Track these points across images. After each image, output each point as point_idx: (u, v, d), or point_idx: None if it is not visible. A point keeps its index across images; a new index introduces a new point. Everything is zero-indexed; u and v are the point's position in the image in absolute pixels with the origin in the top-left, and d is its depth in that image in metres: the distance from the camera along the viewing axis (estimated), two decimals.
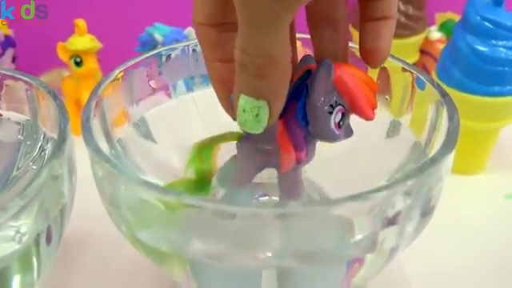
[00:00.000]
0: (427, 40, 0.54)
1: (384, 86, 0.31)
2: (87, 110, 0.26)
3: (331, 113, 0.24)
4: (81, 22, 0.47)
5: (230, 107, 0.24)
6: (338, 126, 0.24)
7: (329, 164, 0.28)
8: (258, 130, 0.22)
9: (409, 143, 0.29)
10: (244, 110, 0.21)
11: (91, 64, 0.48)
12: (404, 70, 0.30)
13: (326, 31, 0.24)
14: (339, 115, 0.24)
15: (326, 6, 0.24)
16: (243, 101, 0.21)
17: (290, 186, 0.27)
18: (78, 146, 0.27)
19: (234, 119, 0.23)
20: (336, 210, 0.20)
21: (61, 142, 0.24)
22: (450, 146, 0.23)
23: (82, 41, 0.48)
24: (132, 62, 0.30)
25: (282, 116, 0.24)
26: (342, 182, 0.28)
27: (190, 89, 0.33)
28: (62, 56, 0.49)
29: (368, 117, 0.24)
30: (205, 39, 0.24)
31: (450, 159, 0.23)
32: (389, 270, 0.26)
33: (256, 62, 0.20)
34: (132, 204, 0.22)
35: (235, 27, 0.20)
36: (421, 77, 0.29)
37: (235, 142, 0.27)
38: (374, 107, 0.25)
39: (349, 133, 0.25)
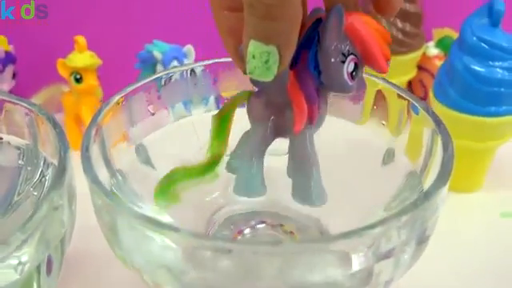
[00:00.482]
0: (425, 56, 0.54)
1: (381, 111, 0.31)
2: (87, 138, 0.26)
3: (344, 62, 0.23)
4: (81, 39, 0.48)
5: (240, 58, 0.23)
6: (351, 76, 0.23)
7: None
8: (267, 77, 0.21)
9: (404, 170, 0.29)
10: (253, 57, 0.21)
11: (91, 80, 0.48)
12: (399, 96, 0.30)
13: None
14: (352, 65, 0.23)
15: None
16: (252, 46, 0.21)
17: (301, 155, 0.26)
18: (77, 160, 0.26)
19: (244, 72, 0.22)
20: (332, 247, 0.20)
21: (61, 171, 0.25)
22: (444, 179, 0.23)
23: (82, 58, 0.48)
24: (131, 88, 0.30)
25: (292, 66, 0.23)
26: (338, 210, 0.28)
27: (188, 111, 0.34)
28: (62, 72, 0.49)
29: (381, 67, 0.23)
30: None
31: (444, 191, 0.23)
32: None
33: (265, 2, 0.19)
34: (130, 235, 0.23)
35: None
36: (416, 104, 0.29)
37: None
38: (387, 58, 0.24)
39: (361, 85, 0.24)
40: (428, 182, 0.26)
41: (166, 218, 0.29)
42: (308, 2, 0.25)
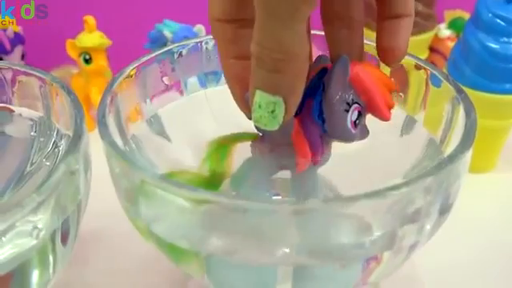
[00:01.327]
0: (437, 38, 0.54)
1: (398, 83, 0.31)
2: (102, 105, 0.26)
3: (348, 111, 0.23)
4: (90, 19, 0.47)
5: (245, 105, 0.24)
6: (355, 124, 0.24)
7: (343, 162, 0.28)
8: (273, 126, 0.21)
9: (423, 141, 0.28)
10: (259, 106, 0.21)
11: (100, 61, 0.48)
12: (418, 67, 0.30)
13: (342, 30, 0.24)
14: (356, 113, 0.24)
15: (342, 4, 0.24)
16: (259, 96, 0.21)
17: (304, 187, 0.27)
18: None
19: (250, 118, 0.23)
20: (355, 207, 0.20)
21: (77, 137, 0.24)
22: (468, 143, 0.23)
23: (91, 38, 0.48)
24: (145, 59, 0.30)
25: (297, 114, 0.24)
26: (356, 180, 0.28)
27: (203, 85, 0.33)
28: (71, 53, 0.49)
29: (385, 117, 0.24)
30: (220, 36, 0.23)
31: (468, 156, 0.23)
32: (401, 268, 0.26)
33: (273, 56, 0.20)
34: (149, 199, 0.22)
35: (251, 24, 0.20)
36: (436, 74, 0.29)
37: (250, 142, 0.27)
38: (390, 107, 0.24)
39: (364, 133, 0.25)
40: (449, 151, 0.26)
41: None
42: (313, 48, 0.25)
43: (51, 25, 0.53)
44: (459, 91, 0.27)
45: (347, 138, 0.24)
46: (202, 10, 0.53)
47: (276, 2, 0.19)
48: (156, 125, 0.31)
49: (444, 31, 0.53)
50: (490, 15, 0.40)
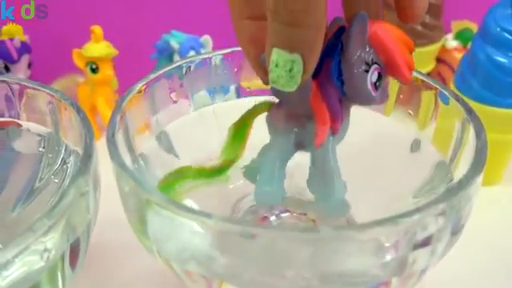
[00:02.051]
0: (444, 48, 0.53)
1: (407, 100, 0.30)
2: (112, 124, 0.26)
3: (367, 71, 0.22)
4: (97, 29, 0.47)
5: (261, 68, 0.22)
6: (375, 86, 0.23)
7: (352, 178, 0.28)
8: (291, 87, 0.20)
9: (433, 159, 0.28)
10: (277, 65, 0.20)
11: (107, 70, 0.48)
12: (427, 84, 0.30)
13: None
14: (376, 74, 0.23)
15: None
16: (276, 54, 0.20)
17: (322, 168, 0.25)
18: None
19: (265, 82, 0.22)
20: (367, 235, 0.20)
21: (87, 158, 0.24)
22: (479, 166, 0.23)
23: (98, 47, 0.47)
24: (153, 75, 0.30)
25: (315, 77, 0.22)
26: (366, 198, 0.28)
27: (212, 99, 0.33)
28: (78, 63, 0.48)
29: (405, 77, 0.23)
30: None
31: (479, 179, 0.23)
32: None
33: (289, 8, 0.19)
34: (159, 222, 0.22)
35: None
36: (445, 92, 0.29)
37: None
38: (411, 68, 0.23)
39: (385, 96, 0.24)
40: (458, 172, 0.26)
41: (190, 204, 0.29)
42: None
43: (58, 34, 0.53)
44: (469, 111, 0.27)
45: (368, 100, 0.23)
46: (209, 20, 0.53)
47: None
48: (164, 142, 0.31)
49: (451, 42, 0.53)
50: (499, 29, 0.40)
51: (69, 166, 0.29)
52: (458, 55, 0.52)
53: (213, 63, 0.33)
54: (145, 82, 0.29)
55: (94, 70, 0.48)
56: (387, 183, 0.29)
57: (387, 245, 0.21)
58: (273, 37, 0.20)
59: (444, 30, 0.54)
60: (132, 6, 0.53)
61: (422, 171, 0.28)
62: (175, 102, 0.31)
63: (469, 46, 0.48)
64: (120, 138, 0.26)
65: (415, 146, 0.30)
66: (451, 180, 0.26)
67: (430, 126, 0.30)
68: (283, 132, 0.25)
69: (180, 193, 0.30)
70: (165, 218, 0.22)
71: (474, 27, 0.54)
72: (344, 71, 0.22)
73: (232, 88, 0.35)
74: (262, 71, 0.22)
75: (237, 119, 0.28)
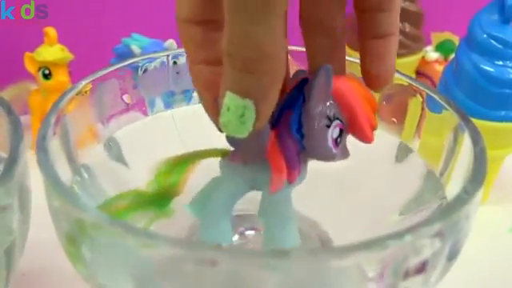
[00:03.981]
0: (424, 61, 0.51)
1: (391, 107, 0.27)
2: (45, 126, 0.22)
3: (329, 126, 0.22)
4: (51, 31, 0.44)
5: (216, 113, 0.21)
6: (336, 142, 0.22)
7: (328, 194, 0.25)
8: (241, 133, 0.20)
9: (421, 170, 0.26)
10: (228, 109, 0.19)
11: (61, 76, 0.44)
12: (413, 88, 0.26)
13: (323, 40, 0.22)
14: (337, 130, 0.22)
15: (322, 12, 0.22)
16: (228, 98, 0.19)
17: (276, 211, 0.24)
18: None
19: (219, 129, 0.21)
20: (348, 261, 0.16)
21: (10, 163, 0.20)
22: (479, 178, 0.20)
23: (52, 51, 0.44)
24: (102, 73, 0.26)
25: (274, 127, 0.22)
26: (345, 216, 0.24)
27: (168, 106, 0.29)
28: (30, 67, 0.45)
29: (367, 138, 0.22)
30: (189, 38, 0.22)
31: (480, 193, 0.19)
32: None
33: (243, 54, 0.18)
34: (94, 244, 0.18)
35: (223, 26, 0.18)
36: (434, 97, 0.25)
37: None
38: (373, 127, 0.23)
39: (345, 153, 0.23)
40: (451, 186, 0.23)
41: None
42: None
43: (9, 37, 0.49)
44: (463, 117, 0.23)
45: (327, 156, 0.22)
46: (174, 23, 0.50)
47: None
48: (113, 149, 0.27)
49: (431, 54, 0.51)
50: (485, 36, 0.38)
51: None
52: (439, 68, 0.50)
53: (171, 63, 0.29)
54: (90, 80, 0.25)
55: (46, 76, 0.45)
56: (369, 199, 0.26)
57: (371, 274, 0.17)
58: (227, 80, 0.19)
59: (424, 43, 0.51)
60: (90, 6, 0.50)
61: (409, 184, 0.25)
62: (127, 105, 0.28)
63: (450, 58, 0.46)
64: (56, 144, 0.23)
65: (400, 156, 0.26)
66: (443, 195, 0.23)
67: (415, 135, 0.27)
68: (236, 178, 0.24)
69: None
70: (100, 239, 0.18)
71: (456, 39, 0.52)
72: (304, 124, 0.22)
73: (196, 94, 0.31)
74: (216, 117, 0.21)
75: (181, 155, 0.26)
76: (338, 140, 0.22)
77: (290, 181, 0.23)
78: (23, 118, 0.44)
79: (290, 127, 0.22)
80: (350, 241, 0.17)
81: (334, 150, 0.22)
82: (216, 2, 0.19)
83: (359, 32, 0.22)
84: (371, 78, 0.22)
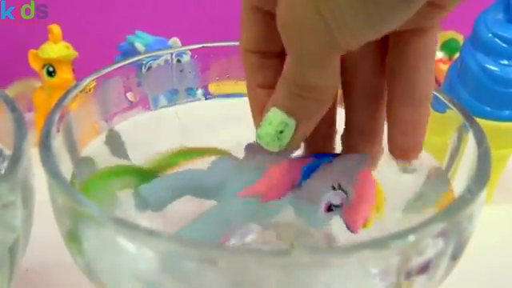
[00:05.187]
0: None
1: None
2: (48, 123, 0.22)
3: (335, 188, 0.22)
4: (55, 28, 0.44)
5: None
6: (328, 208, 0.22)
7: None
8: (274, 147, 0.21)
9: (425, 168, 0.25)
10: (270, 123, 0.21)
11: (65, 74, 0.44)
12: None
13: (366, 145, 0.24)
14: (338, 199, 0.22)
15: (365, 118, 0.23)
16: (273, 113, 0.21)
17: None
18: None
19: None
20: (351, 260, 0.16)
21: (14, 161, 0.20)
22: (484, 178, 0.19)
23: (56, 48, 0.44)
24: (106, 71, 0.26)
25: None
26: None
27: (172, 103, 0.29)
28: (34, 65, 0.45)
29: (355, 229, 0.22)
30: (247, 64, 0.23)
31: (484, 193, 0.19)
32: None
33: (301, 83, 0.20)
34: (96, 241, 0.18)
35: (278, 55, 0.21)
36: (438, 95, 0.25)
37: None
38: (365, 224, 0.22)
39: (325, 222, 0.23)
40: (456, 184, 0.23)
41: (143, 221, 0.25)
42: None
43: (13, 34, 0.49)
44: (467, 117, 0.23)
45: (312, 209, 0.22)
46: (178, 21, 0.50)
47: (307, 45, 0.18)
48: (116, 146, 0.27)
49: (436, 53, 0.51)
50: (490, 35, 0.37)
51: (1, 173, 0.24)
52: (444, 67, 0.50)
53: (175, 61, 0.29)
54: (94, 78, 0.25)
55: (50, 73, 0.45)
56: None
57: (374, 274, 0.17)
58: (277, 98, 0.21)
59: None
60: (94, 4, 0.50)
61: (413, 182, 0.25)
62: (131, 102, 0.27)
63: (455, 57, 0.45)
64: (60, 141, 0.22)
65: None
66: (447, 192, 0.23)
67: None
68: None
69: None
70: (102, 237, 0.18)
71: (460, 38, 0.51)
72: (314, 173, 0.22)
73: (199, 92, 0.31)
74: None
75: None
76: (332, 208, 0.22)
77: (263, 200, 0.22)
78: (27, 116, 0.45)
79: (304, 167, 0.22)
80: (354, 239, 0.17)
81: (323, 212, 0.22)
82: (272, 33, 0.20)
83: (388, 99, 0.22)
84: (400, 151, 0.22)
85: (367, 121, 0.23)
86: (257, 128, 0.22)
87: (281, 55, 0.20)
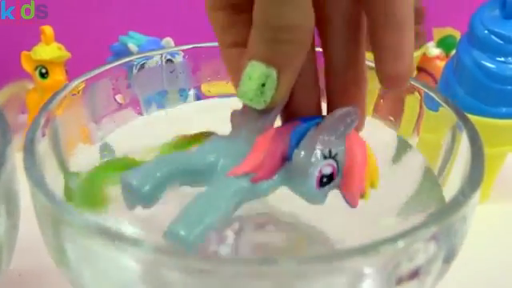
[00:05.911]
0: (425, 56, 0.51)
1: (388, 105, 0.27)
2: (33, 128, 0.21)
3: (326, 157, 0.20)
4: (47, 29, 0.44)
5: None
6: (320, 181, 0.20)
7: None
8: (259, 103, 0.20)
9: (419, 170, 0.25)
10: (250, 78, 0.19)
11: (58, 75, 0.44)
12: (411, 87, 0.26)
13: (345, 86, 0.22)
14: (329, 169, 0.20)
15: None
16: (251, 67, 0.19)
17: None
18: None
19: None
20: (340, 266, 0.16)
21: None
22: (477, 180, 0.19)
23: (49, 50, 0.44)
24: (94, 73, 0.26)
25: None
26: (340, 218, 0.24)
27: (162, 105, 0.29)
28: (26, 66, 0.45)
29: (353, 203, 0.21)
30: (215, 24, 0.22)
31: (477, 195, 0.19)
32: None
33: (271, 25, 0.19)
34: (79, 251, 0.18)
35: (244, 7, 0.20)
36: (432, 95, 0.25)
37: None
38: (362, 194, 0.22)
39: (322, 199, 0.21)
40: (449, 187, 0.22)
41: (129, 229, 0.24)
42: None
43: (7, 36, 0.49)
44: (461, 116, 0.23)
45: (303, 186, 0.20)
46: (171, 21, 0.49)
47: None
48: (107, 151, 0.26)
49: (433, 50, 0.50)
50: (486, 32, 0.37)
51: None
52: (441, 64, 0.49)
53: (164, 62, 0.28)
54: (82, 80, 0.25)
55: (43, 75, 0.44)
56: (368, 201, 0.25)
57: (365, 280, 0.17)
58: (252, 50, 0.20)
59: (426, 39, 0.51)
60: (87, 5, 0.49)
61: (407, 185, 0.24)
62: (120, 105, 0.27)
63: (452, 54, 0.45)
64: (45, 146, 0.22)
65: (398, 155, 0.26)
66: (441, 195, 0.22)
67: (413, 134, 0.26)
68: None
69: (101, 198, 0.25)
70: (85, 246, 0.17)
71: (458, 34, 0.51)
72: (304, 140, 0.21)
73: (191, 93, 0.31)
74: None
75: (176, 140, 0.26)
76: (324, 180, 0.20)
77: (255, 178, 0.21)
78: (21, 117, 0.44)
79: (291, 133, 0.21)
80: (347, 237, 0.16)
81: (315, 187, 0.20)
82: None
83: (369, 27, 0.21)
84: (387, 78, 0.21)
85: (349, 58, 0.22)
86: (237, 87, 0.21)
87: (248, 9, 0.19)
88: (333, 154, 0.20)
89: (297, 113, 0.22)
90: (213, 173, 0.20)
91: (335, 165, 0.20)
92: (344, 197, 0.21)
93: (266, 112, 0.20)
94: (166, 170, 0.20)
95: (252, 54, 0.19)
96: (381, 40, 0.20)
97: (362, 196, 0.21)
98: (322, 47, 0.22)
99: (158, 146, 0.26)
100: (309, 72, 0.22)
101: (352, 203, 0.21)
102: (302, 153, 0.20)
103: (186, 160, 0.21)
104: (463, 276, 0.34)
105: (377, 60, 0.21)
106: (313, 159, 0.20)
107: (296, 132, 0.21)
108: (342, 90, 0.22)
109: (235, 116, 0.22)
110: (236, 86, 0.21)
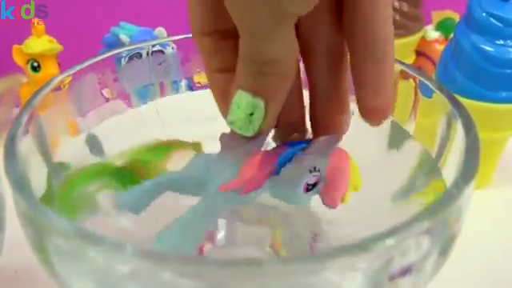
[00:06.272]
0: (424, 40, 0.50)
1: None
2: (16, 125, 0.21)
3: (311, 171, 0.22)
4: (37, 22, 0.43)
5: None
6: (306, 188, 0.22)
7: None
8: (248, 131, 0.20)
9: (414, 156, 0.24)
10: (238, 107, 0.20)
11: (50, 69, 0.44)
12: (405, 74, 0.25)
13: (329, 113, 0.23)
14: (314, 179, 0.22)
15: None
16: (239, 96, 0.20)
17: None
18: None
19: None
20: (327, 267, 0.15)
21: None
22: (471, 170, 0.18)
23: (40, 43, 0.43)
24: (79, 67, 0.25)
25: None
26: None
27: (151, 97, 0.28)
28: (18, 60, 0.45)
29: (333, 206, 0.22)
30: (202, 49, 0.22)
31: (472, 186, 0.18)
32: None
33: (258, 59, 0.19)
34: (62, 254, 0.17)
35: (230, 34, 0.20)
36: (426, 82, 0.24)
37: None
38: (342, 201, 0.22)
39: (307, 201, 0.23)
40: (445, 173, 0.22)
41: (123, 223, 0.24)
42: None
43: (8, 37, 0.48)
44: (455, 104, 0.22)
45: (292, 192, 0.22)
46: (163, 11, 0.49)
47: (253, 22, 0.18)
48: (93, 147, 0.26)
49: (431, 33, 0.50)
50: (484, 14, 0.36)
51: None
52: (439, 47, 0.49)
53: (150, 54, 0.28)
54: (67, 75, 0.24)
55: (35, 69, 0.44)
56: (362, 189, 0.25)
57: (355, 279, 0.16)
58: (240, 80, 0.20)
59: (424, 21, 0.50)
60: None
61: (403, 169, 0.24)
62: (107, 99, 0.26)
63: (451, 37, 0.44)
64: (30, 143, 0.21)
65: (394, 141, 0.25)
66: (438, 180, 0.22)
67: (409, 120, 0.26)
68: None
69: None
70: (68, 250, 0.17)
71: (457, 17, 0.50)
72: (290, 162, 0.22)
73: (182, 84, 0.30)
74: None
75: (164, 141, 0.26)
76: (310, 187, 0.22)
77: (243, 191, 0.22)
78: (15, 111, 0.44)
79: (279, 157, 0.22)
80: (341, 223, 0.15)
81: (302, 191, 0.22)
82: (220, 13, 0.20)
83: (350, 58, 0.21)
84: (367, 111, 0.21)
85: (332, 86, 0.22)
86: (224, 115, 0.21)
87: (234, 36, 0.20)
88: (317, 169, 0.22)
89: (284, 138, 0.23)
90: (203, 192, 0.22)
91: (319, 174, 0.22)
92: (323, 201, 0.22)
93: (254, 137, 0.21)
94: (155, 189, 0.21)
95: (239, 84, 0.20)
96: (360, 72, 0.21)
97: (343, 200, 0.22)
98: (307, 75, 0.22)
99: (136, 146, 0.26)
100: (294, 94, 0.22)
101: (332, 207, 0.22)
102: (291, 170, 0.21)
103: (176, 180, 0.22)
104: (465, 261, 0.34)
105: (356, 93, 0.21)
106: (301, 174, 0.21)
107: (283, 156, 0.22)
108: (326, 117, 0.23)
109: (224, 138, 0.22)
110: (221, 110, 0.22)
